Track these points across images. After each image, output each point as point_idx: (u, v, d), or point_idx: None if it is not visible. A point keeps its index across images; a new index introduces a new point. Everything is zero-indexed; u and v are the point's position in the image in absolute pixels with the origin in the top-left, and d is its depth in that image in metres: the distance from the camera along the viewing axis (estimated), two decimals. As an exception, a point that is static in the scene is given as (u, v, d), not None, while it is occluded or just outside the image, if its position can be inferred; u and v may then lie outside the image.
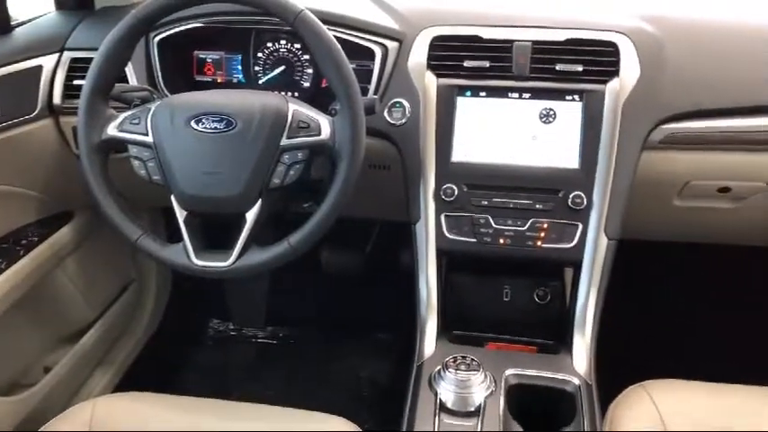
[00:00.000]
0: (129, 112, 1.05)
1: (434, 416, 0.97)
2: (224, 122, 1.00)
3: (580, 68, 1.14)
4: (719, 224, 1.34)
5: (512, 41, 1.17)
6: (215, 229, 1.06)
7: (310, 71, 1.29)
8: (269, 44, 1.29)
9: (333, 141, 1.00)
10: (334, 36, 1.00)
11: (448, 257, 1.22)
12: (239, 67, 1.31)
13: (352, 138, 0.99)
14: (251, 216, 1.01)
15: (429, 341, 1.15)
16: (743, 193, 1.24)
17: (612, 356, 1.21)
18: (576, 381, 1.05)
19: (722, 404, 1.08)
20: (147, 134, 1.02)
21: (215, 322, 2.06)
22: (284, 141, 0.99)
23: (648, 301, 1.72)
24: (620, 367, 1.17)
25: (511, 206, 1.15)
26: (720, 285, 1.71)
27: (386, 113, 1.19)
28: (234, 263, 1.01)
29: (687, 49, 1.18)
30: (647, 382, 1.13)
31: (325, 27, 0.99)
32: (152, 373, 1.76)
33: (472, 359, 1.03)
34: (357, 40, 1.20)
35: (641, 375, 1.14)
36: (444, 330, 1.19)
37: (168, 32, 1.25)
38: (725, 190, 1.23)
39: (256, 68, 1.30)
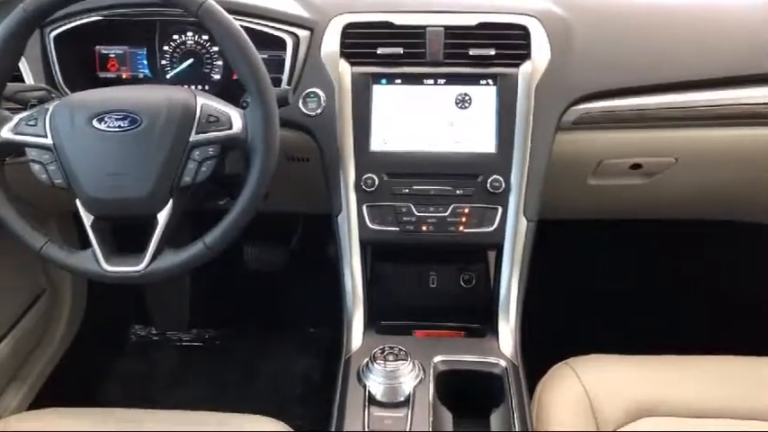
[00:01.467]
0: (25, 113, 0.99)
1: (364, 409, 0.96)
2: (128, 120, 0.95)
3: (493, 52, 1.14)
4: (633, 200, 1.38)
5: (424, 27, 1.16)
6: (127, 232, 1.01)
7: (220, 63, 1.24)
8: (175, 36, 1.24)
9: (245, 135, 0.97)
10: (242, 26, 0.96)
11: (372, 248, 1.21)
12: (145, 62, 1.25)
13: (264, 130, 0.96)
14: (162, 217, 0.97)
15: (356, 334, 1.14)
16: (654, 169, 1.28)
17: (539, 336, 1.24)
18: (503, 363, 1.06)
19: (645, 375, 1.12)
20: (45, 136, 0.96)
21: (136, 328, 1.98)
22: (193, 137, 0.95)
23: (570, 279, 1.76)
24: (547, 346, 1.19)
25: (432, 193, 1.15)
26: (638, 259, 1.77)
27: (300, 104, 1.16)
28: (147, 267, 0.97)
29: (595, 31, 1.20)
30: (571, 359, 1.15)
31: (231, 17, 0.95)
32: (71, 385, 1.68)
33: (400, 349, 1.02)
34: (266, 30, 1.16)
35: (567, 353, 1.17)
36: (371, 322, 1.18)
37: (65, 27, 1.18)
38: (637, 167, 1.27)
39: (163, 62, 1.25)
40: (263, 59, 0.97)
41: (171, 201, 0.96)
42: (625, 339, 1.22)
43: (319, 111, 1.16)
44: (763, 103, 1.18)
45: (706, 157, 1.25)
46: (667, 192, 1.34)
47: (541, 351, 1.17)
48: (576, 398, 1.08)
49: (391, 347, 1.02)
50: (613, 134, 1.22)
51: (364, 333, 1.15)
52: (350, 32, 1.17)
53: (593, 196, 1.36)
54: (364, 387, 0.99)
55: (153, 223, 0.97)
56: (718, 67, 1.18)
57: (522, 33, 1.15)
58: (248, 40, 0.96)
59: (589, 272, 1.79)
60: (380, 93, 1.16)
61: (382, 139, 1.16)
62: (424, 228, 1.15)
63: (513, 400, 1.00)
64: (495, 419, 1.01)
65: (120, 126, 0.95)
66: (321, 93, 1.16)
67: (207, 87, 1.23)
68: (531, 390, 1.09)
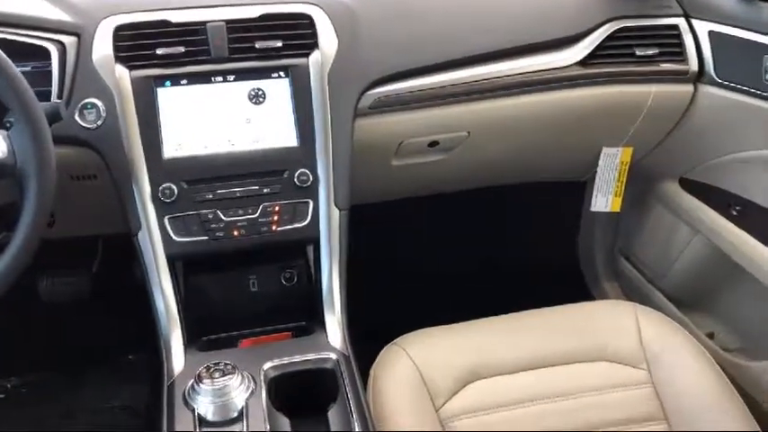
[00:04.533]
0: None
1: (195, 434, 0.90)
2: None
3: (280, 44, 1.12)
4: (434, 176, 1.43)
5: (204, 23, 1.10)
6: None
7: None
8: None
9: (13, 159, 0.86)
10: None
11: (183, 261, 1.14)
12: None
13: (36, 151, 0.85)
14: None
15: (177, 356, 1.07)
16: (449, 145, 1.33)
17: (368, 322, 1.24)
18: (334, 356, 1.05)
19: (469, 341, 1.17)
20: None
21: None
22: None
23: (389, 261, 1.79)
24: (377, 331, 1.20)
25: (238, 195, 1.10)
26: (447, 231, 1.85)
27: (77, 117, 1.05)
28: None
29: (379, 14, 1.22)
30: (400, 338, 1.18)
31: None
32: None
33: (226, 363, 0.96)
34: (25, 39, 1.04)
35: (400, 333, 1.19)
36: (192, 340, 1.11)
37: None
38: (434, 144, 1.31)
39: None
40: (25, 72, 0.87)
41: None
42: (452, 309, 1.27)
43: (100, 122, 1.06)
44: (545, 70, 1.26)
45: (495, 128, 1.32)
46: (465, 164, 1.41)
47: (375, 336, 1.18)
48: (408, 376, 1.10)
49: (216, 363, 0.97)
50: (410, 115, 1.24)
51: (186, 353, 1.07)
52: (123, 35, 1.08)
53: (398, 177, 1.39)
54: (193, 410, 0.93)
55: None
56: (500, 39, 1.24)
57: (307, 23, 1.14)
58: (1, 52, 0.85)
59: (408, 250, 1.84)
60: (166, 96, 1.09)
61: (176, 145, 1.09)
62: (235, 232, 1.10)
63: (348, 391, 1.00)
64: (332, 414, 1.00)
65: None
66: (99, 102, 1.05)
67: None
68: (365, 377, 1.09)
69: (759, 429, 1.05)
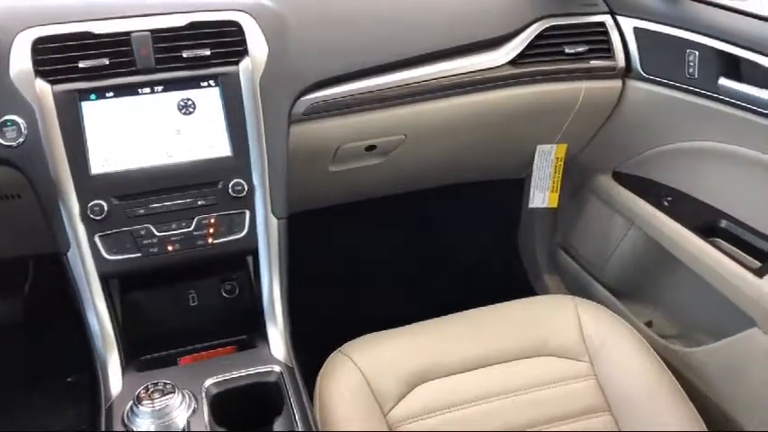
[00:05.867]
0: None
1: (136, 458, 0.88)
2: None
3: (208, 52, 1.09)
4: (374, 180, 1.43)
5: (129, 33, 1.06)
6: None
7: None
8: None
9: None
10: None
11: (118, 279, 1.10)
12: None
13: None
14: None
15: (114, 378, 1.04)
16: (387, 148, 1.33)
17: (312, 331, 1.23)
18: (277, 368, 1.04)
19: (413, 344, 1.17)
20: None
21: None
22: None
23: (330, 268, 1.78)
24: (322, 340, 1.19)
25: (171, 209, 1.07)
26: (388, 234, 1.85)
27: None
28: None
29: (309, 20, 1.20)
30: (345, 345, 1.17)
31: None
32: None
33: (165, 383, 0.94)
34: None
35: (345, 339, 1.17)
36: (131, 360, 1.08)
37: None
38: (371, 148, 1.31)
39: None
40: None
41: None
42: (396, 313, 1.26)
43: (21, 140, 1.01)
44: (477, 71, 1.26)
45: (431, 129, 1.33)
46: (404, 167, 1.41)
47: (320, 344, 1.16)
48: (354, 383, 1.09)
49: (155, 383, 0.94)
50: (345, 119, 1.23)
51: (123, 375, 1.04)
52: (42, 48, 1.03)
53: (337, 182, 1.37)
54: (132, 434, 0.90)
55: None
56: (431, 41, 1.24)
57: (236, 30, 1.11)
58: None
59: (350, 255, 1.83)
60: (92, 110, 1.05)
61: (104, 161, 1.05)
62: (169, 248, 1.07)
63: (293, 403, 0.99)
64: (278, 427, 0.99)
65: None
66: (19, 119, 1.01)
67: None
68: (310, 387, 1.08)
69: (698, 414, 1.08)
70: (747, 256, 1.21)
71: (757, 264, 1.18)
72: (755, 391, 1.18)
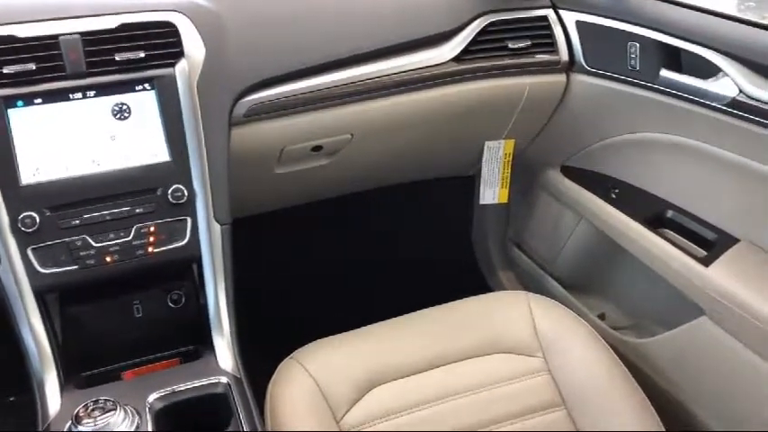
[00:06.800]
0: None
1: (75, 480, 0.84)
2: None
3: (142, 54, 1.05)
4: (321, 181, 1.40)
5: (57, 36, 1.02)
6: None
7: None
8: None
9: None
10: None
11: (56, 293, 1.06)
12: None
13: None
14: None
15: (52, 397, 0.99)
16: (333, 148, 1.31)
17: (263, 338, 1.20)
18: (225, 379, 1.00)
19: (365, 348, 1.16)
20: None
21: None
22: None
23: (279, 272, 1.75)
24: (273, 347, 1.16)
25: (108, 218, 1.03)
26: (338, 235, 1.83)
27: None
28: None
29: (247, 20, 1.17)
30: (296, 351, 1.15)
31: None
32: None
33: (106, 399, 0.90)
34: None
35: (296, 346, 1.15)
36: (71, 377, 1.04)
37: None
38: (318, 148, 1.28)
39: None
40: None
41: None
42: (348, 316, 1.24)
43: None
44: (421, 68, 1.24)
45: (377, 128, 1.31)
46: (351, 167, 1.39)
47: (270, 352, 1.14)
48: (305, 390, 1.07)
49: (95, 401, 0.90)
50: (289, 120, 1.21)
51: (62, 393, 1.00)
52: None
53: (284, 185, 1.35)
54: (71, 455, 0.86)
55: None
56: (373, 39, 1.22)
57: (171, 31, 1.07)
58: None
59: (299, 258, 1.80)
60: (19, 117, 1.00)
61: (34, 170, 1.00)
62: (108, 259, 1.03)
63: (241, 415, 0.96)
64: None
65: None
66: None
67: None
68: (260, 397, 1.05)
69: (650, 405, 1.09)
70: (694, 246, 1.23)
71: (703, 253, 1.20)
72: (705, 379, 1.20)
